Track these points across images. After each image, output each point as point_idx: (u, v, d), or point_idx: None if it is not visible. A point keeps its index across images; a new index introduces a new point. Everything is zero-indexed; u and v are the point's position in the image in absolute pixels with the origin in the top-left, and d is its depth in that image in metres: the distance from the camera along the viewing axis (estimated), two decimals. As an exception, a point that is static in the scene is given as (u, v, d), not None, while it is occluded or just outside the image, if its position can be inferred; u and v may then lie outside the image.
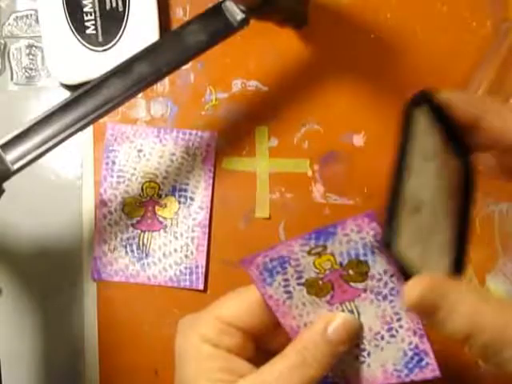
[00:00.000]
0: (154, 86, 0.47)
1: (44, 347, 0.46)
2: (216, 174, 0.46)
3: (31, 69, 0.49)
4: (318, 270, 0.35)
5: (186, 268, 0.42)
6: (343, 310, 0.35)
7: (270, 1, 0.40)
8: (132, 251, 0.43)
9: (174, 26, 0.48)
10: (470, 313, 0.28)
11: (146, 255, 0.43)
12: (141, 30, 0.46)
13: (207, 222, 0.44)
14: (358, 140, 0.47)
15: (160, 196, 0.43)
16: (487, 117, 0.32)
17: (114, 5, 0.46)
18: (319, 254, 0.35)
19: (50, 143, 0.37)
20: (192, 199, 0.43)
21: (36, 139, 0.37)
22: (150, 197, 0.43)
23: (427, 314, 0.29)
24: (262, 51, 0.47)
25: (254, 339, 0.34)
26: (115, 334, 0.46)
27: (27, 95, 0.49)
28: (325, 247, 0.35)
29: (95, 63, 0.46)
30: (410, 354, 0.35)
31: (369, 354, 0.35)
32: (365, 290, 0.35)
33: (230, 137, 0.47)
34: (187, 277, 0.42)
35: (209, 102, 0.47)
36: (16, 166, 0.36)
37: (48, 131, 0.37)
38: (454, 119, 0.32)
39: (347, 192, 0.46)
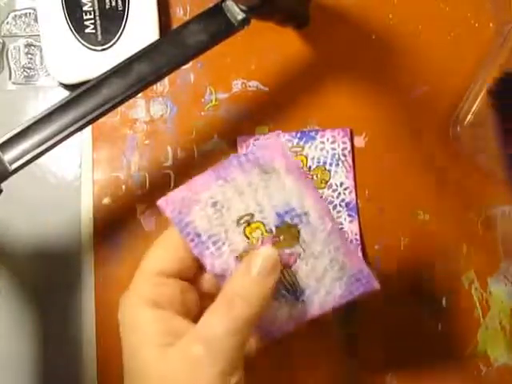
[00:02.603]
0: (154, 86, 0.46)
1: (42, 348, 0.46)
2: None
3: (30, 68, 0.49)
4: None
5: (349, 278, 0.35)
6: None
7: (271, 0, 0.39)
8: (284, 296, 0.36)
9: (174, 25, 0.48)
10: None
11: (302, 291, 0.36)
12: (140, 29, 0.46)
13: (337, 227, 0.36)
14: (359, 141, 0.47)
15: (271, 231, 0.34)
16: None
17: (114, 4, 0.46)
18: (296, 153, 0.44)
19: (49, 143, 0.36)
20: (307, 214, 0.35)
21: (34, 139, 0.36)
22: (261, 239, 0.35)
23: None
24: (263, 51, 0.47)
25: (192, 283, 0.34)
26: (114, 335, 0.45)
27: (26, 94, 0.48)
28: (303, 148, 0.44)
29: (94, 63, 0.46)
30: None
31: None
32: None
33: (230, 137, 0.47)
34: (357, 284, 0.36)
35: (209, 103, 0.47)
36: (14, 166, 0.36)
37: (47, 131, 0.37)
38: None
39: (348, 193, 0.46)
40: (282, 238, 0.34)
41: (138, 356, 0.32)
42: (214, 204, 0.33)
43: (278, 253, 0.33)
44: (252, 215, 0.33)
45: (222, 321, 0.31)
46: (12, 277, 0.45)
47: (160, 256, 0.33)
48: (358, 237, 0.44)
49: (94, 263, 0.46)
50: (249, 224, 0.33)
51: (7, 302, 0.45)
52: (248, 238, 0.34)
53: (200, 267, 0.34)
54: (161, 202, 0.32)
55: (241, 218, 0.33)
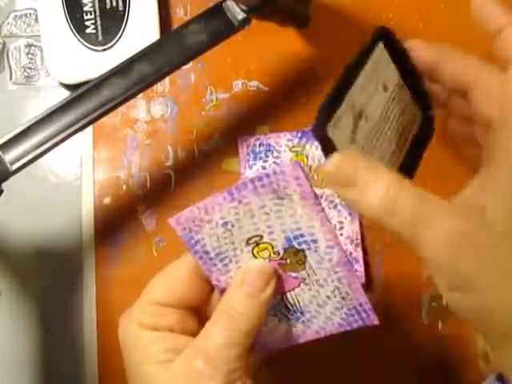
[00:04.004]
0: (154, 86, 0.46)
1: (43, 347, 0.46)
2: (216, 175, 0.46)
3: (30, 68, 0.49)
4: None
5: (349, 309, 0.36)
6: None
7: (271, 0, 0.39)
8: (285, 316, 0.37)
9: (175, 25, 0.48)
10: (382, 195, 0.28)
11: (302, 313, 0.36)
12: (141, 29, 0.46)
13: (345, 259, 0.35)
14: (360, 141, 0.47)
15: (278, 254, 0.35)
16: (443, 59, 0.34)
17: (114, 4, 0.46)
18: (297, 153, 0.44)
19: (50, 143, 0.37)
20: (315, 242, 0.35)
21: (35, 139, 0.37)
22: (268, 259, 0.35)
23: (343, 186, 0.29)
24: (263, 51, 0.47)
25: (194, 310, 0.34)
26: (115, 335, 0.45)
27: (26, 95, 0.48)
28: (303, 148, 0.44)
29: (95, 63, 0.46)
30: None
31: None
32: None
33: (231, 137, 0.47)
34: (356, 317, 0.36)
35: (209, 103, 0.47)
36: (15, 166, 0.36)
37: (47, 131, 0.37)
38: (412, 62, 0.34)
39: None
40: (288, 260, 0.34)
41: (141, 371, 0.32)
42: (225, 224, 0.33)
43: (271, 266, 0.34)
44: (261, 236, 0.33)
45: (221, 333, 0.31)
46: (13, 277, 0.46)
47: (159, 288, 0.34)
48: (358, 236, 0.44)
49: (95, 263, 0.46)
50: (257, 244, 0.33)
51: (8, 302, 0.45)
52: (256, 257, 0.34)
53: (205, 298, 0.35)
54: (171, 221, 0.32)
55: (250, 238, 0.33)
